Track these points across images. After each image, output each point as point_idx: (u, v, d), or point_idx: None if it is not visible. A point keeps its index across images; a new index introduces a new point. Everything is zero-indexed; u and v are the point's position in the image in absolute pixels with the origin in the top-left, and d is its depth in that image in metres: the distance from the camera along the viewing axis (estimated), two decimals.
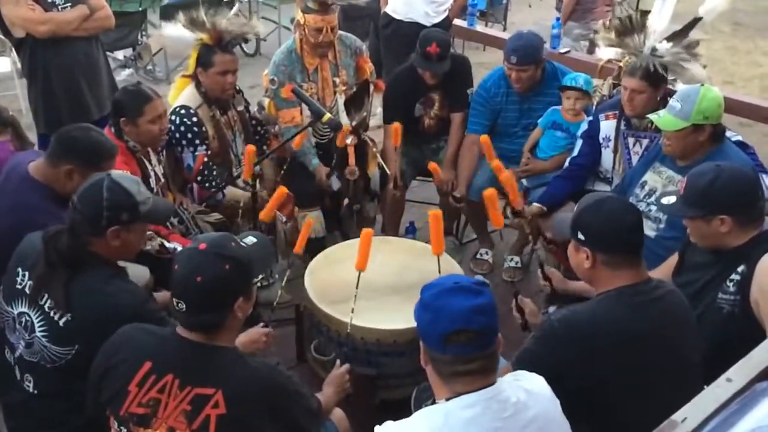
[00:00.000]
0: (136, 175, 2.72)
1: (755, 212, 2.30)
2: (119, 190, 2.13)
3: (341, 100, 3.71)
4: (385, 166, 3.72)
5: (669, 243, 2.82)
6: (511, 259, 4.07)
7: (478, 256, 4.13)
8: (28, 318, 2.11)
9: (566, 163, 3.58)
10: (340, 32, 3.72)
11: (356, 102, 3.77)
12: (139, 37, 6.52)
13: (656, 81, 3.16)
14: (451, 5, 5.15)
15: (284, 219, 3.69)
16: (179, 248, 2.76)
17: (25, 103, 5.03)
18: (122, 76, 6.34)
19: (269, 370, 1.88)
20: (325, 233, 3.79)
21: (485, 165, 3.89)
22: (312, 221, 3.45)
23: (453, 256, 3.25)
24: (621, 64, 3.59)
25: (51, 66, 3.75)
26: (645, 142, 3.29)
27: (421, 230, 4.00)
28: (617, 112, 3.35)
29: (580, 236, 2.08)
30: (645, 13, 3.42)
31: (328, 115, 3.24)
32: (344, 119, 3.62)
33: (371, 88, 3.90)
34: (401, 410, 1.99)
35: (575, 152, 3.54)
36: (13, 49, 4.47)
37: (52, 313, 2.07)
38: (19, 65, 4.74)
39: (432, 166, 3.61)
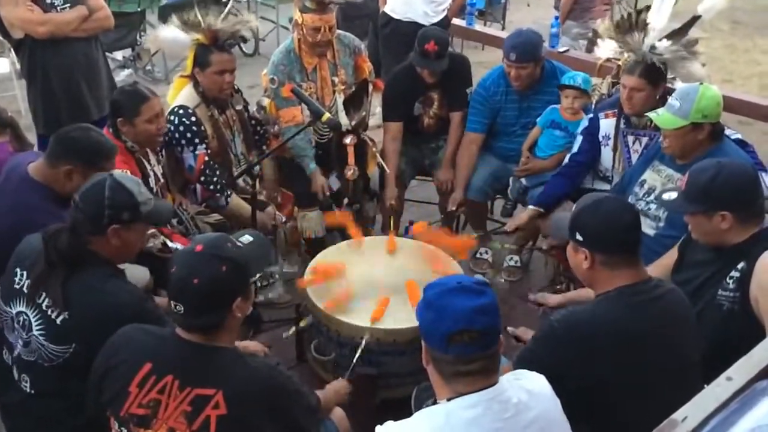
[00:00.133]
0: (135, 175, 2.72)
1: (756, 209, 2.31)
2: (121, 190, 2.14)
3: (340, 99, 3.70)
4: (384, 166, 3.72)
5: (668, 241, 2.82)
6: (511, 258, 4.07)
7: (478, 255, 4.13)
8: (25, 317, 2.11)
9: (566, 160, 3.58)
10: (338, 31, 3.72)
11: (355, 101, 3.77)
12: (137, 37, 6.52)
13: (655, 79, 3.16)
14: (450, 5, 5.16)
15: (284, 219, 3.69)
16: (180, 248, 2.76)
17: (24, 104, 5.03)
18: (121, 77, 6.34)
19: (269, 370, 1.89)
20: (325, 233, 3.79)
21: (484, 164, 3.91)
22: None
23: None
24: (620, 62, 3.59)
25: (50, 67, 3.75)
26: (645, 140, 3.29)
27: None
28: (617, 110, 3.35)
29: (579, 237, 2.08)
30: (644, 11, 3.41)
31: (327, 115, 3.24)
32: (343, 119, 3.63)
33: (370, 87, 3.90)
34: (402, 409, 2.00)
35: (575, 149, 3.53)
36: (12, 50, 4.46)
37: (49, 312, 2.07)
38: (18, 66, 4.74)
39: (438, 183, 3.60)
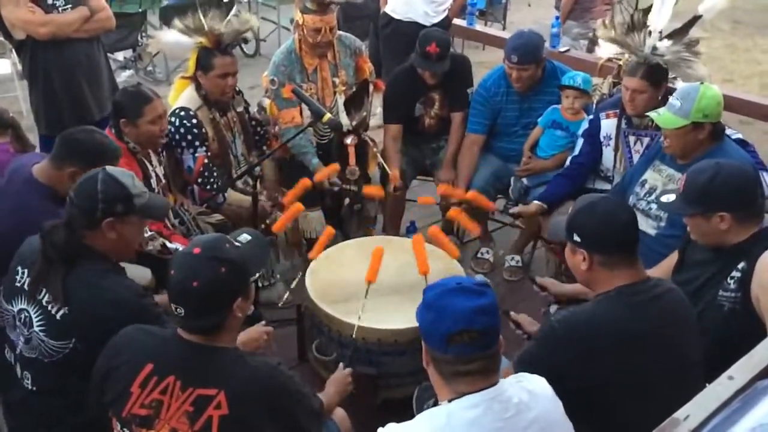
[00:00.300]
0: (137, 176, 2.72)
1: (755, 209, 2.30)
2: (113, 183, 2.15)
3: (341, 100, 3.71)
4: (385, 166, 3.72)
5: (670, 241, 2.82)
6: (512, 258, 4.08)
7: (479, 255, 4.13)
8: (27, 314, 2.12)
9: (567, 162, 3.58)
10: (339, 32, 3.72)
11: (356, 102, 3.77)
12: (139, 38, 6.52)
13: (657, 80, 3.16)
14: (451, 5, 5.15)
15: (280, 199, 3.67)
16: (181, 249, 2.77)
17: (25, 104, 5.04)
18: (122, 78, 6.35)
19: (270, 370, 1.88)
20: None
21: (485, 164, 3.91)
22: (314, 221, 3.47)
23: None
24: (621, 62, 3.60)
25: (52, 67, 3.75)
26: (646, 140, 3.29)
27: (422, 230, 4.00)
28: (618, 110, 3.35)
29: (576, 238, 2.08)
30: (645, 12, 3.42)
31: (328, 115, 3.24)
32: (344, 119, 3.63)
33: (371, 88, 3.90)
34: (403, 409, 2.00)
35: (576, 151, 3.54)
36: (14, 51, 4.47)
37: (49, 307, 2.08)
38: (19, 67, 4.74)
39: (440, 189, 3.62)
